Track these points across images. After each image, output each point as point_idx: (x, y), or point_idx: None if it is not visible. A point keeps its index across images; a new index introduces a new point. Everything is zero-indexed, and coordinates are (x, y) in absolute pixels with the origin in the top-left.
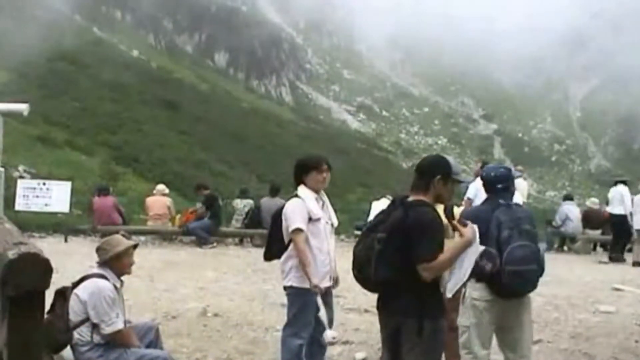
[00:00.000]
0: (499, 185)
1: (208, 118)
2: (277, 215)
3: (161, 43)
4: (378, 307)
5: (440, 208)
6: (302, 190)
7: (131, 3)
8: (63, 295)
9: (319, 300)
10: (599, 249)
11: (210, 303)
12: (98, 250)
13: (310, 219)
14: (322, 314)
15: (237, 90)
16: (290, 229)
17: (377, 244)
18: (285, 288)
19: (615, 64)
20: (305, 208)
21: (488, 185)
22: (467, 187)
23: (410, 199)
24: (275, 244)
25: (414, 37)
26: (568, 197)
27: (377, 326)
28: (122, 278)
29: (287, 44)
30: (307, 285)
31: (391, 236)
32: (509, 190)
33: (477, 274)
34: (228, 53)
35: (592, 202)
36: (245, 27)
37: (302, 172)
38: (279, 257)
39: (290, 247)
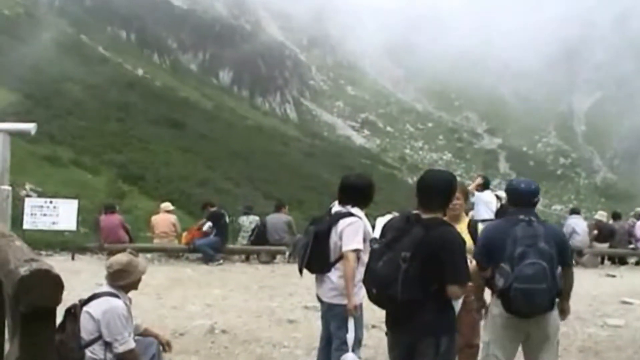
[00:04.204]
0: (527, 199)
1: (213, 136)
2: (325, 232)
3: (166, 62)
4: (390, 326)
5: (464, 223)
6: (357, 210)
7: (136, 23)
8: (73, 313)
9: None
10: (606, 262)
11: (217, 320)
12: (120, 272)
13: (364, 239)
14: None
15: (242, 107)
16: (350, 248)
17: (402, 262)
18: (334, 306)
19: (619, 76)
20: (364, 228)
21: (512, 199)
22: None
23: (425, 216)
24: (318, 260)
25: (416, 53)
26: (574, 211)
27: (385, 342)
28: (129, 295)
29: (290, 61)
30: (357, 303)
31: (415, 255)
32: (533, 206)
33: (493, 290)
34: (232, 71)
35: (600, 215)
36: (248, 45)
37: (373, 191)
38: (319, 272)
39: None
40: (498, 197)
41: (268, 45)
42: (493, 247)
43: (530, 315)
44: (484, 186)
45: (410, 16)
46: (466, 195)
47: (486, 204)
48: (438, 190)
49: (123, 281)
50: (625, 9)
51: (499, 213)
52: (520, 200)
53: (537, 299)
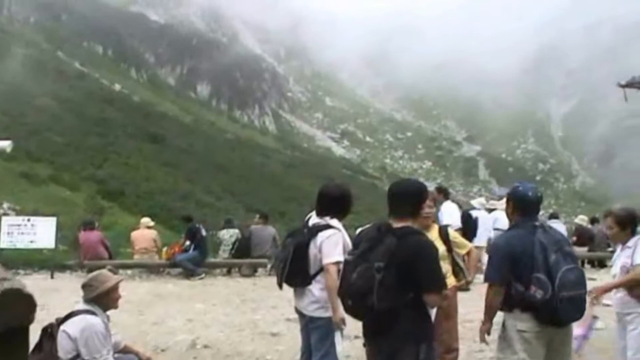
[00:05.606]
0: (536, 207)
1: (193, 150)
2: (303, 245)
3: (143, 76)
4: (367, 336)
5: (435, 230)
6: (336, 222)
7: (112, 38)
8: (50, 332)
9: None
10: (586, 265)
11: (199, 335)
12: (85, 287)
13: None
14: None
15: (221, 121)
16: (331, 261)
17: (377, 273)
18: (317, 319)
19: (593, 81)
20: (343, 240)
21: (524, 206)
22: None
23: (397, 225)
24: (298, 274)
25: (394, 62)
26: (553, 216)
27: None
28: (108, 313)
29: (268, 73)
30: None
31: (389, 265)
32: (539, 212)
33: (526, 303)
34: (210, 84)
35: (581, 219)
36: (226, 58)
37: (351, 201)
38: (300, 286)
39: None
40: (459, 206)
41: (245, 58)
42: (518, 259)
43: (574, 322)
44: (445, 196)
45: (387, 26)
46: (435, 203)
47: (449, 215)
48: (408, 197)
49: (88, 295)
50: (598, 16)
51: (462, 220)
52: (529, 208)
53: (582, 304)
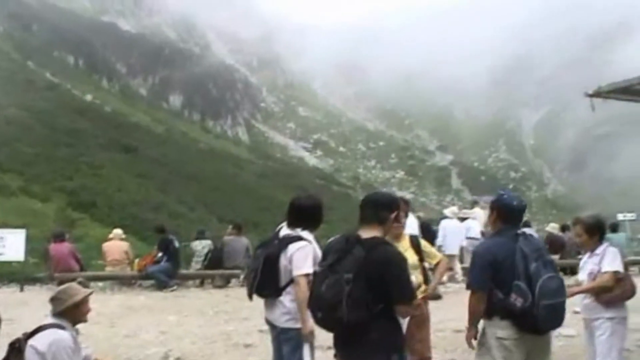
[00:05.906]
0: (519, 215)
1: (165, 160)
2: (274, 256)
3: (115, 87)
4: (338, 348)
5: (406, 240)
6: (307, 234)
7: (84, 48)
8: (17, 348)
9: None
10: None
11: (172, 347)
12: (53, 300)
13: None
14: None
15: (194, 131)
16: (301, 273)
17: (346, 284)
18: (288, 330)
19: (563, 90)
20: (314, 252)
21: (508, 214)
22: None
23: (365, 236)
24: (268, 285)
25: (366, 71)
26: (526, 224)
27: None
28: (79, 326)
29: (241, 83)
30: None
31: (358, 276)
32: (521, 221)
33: (506, 310)
34: (182, 95)
35: (552, 227)
36: (198, 68)
37: (322, 213)
38: (271, 297)
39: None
40: (419, 217)
41: (218, 68)
42: (501, 266)
43: (554, 329)
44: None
45: (359, 35)
46: (406, 213)
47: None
48: (377, 208)
49: (57, 309)
50: (567, 26)
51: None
52: (513, 217)
53: (562, 313)
